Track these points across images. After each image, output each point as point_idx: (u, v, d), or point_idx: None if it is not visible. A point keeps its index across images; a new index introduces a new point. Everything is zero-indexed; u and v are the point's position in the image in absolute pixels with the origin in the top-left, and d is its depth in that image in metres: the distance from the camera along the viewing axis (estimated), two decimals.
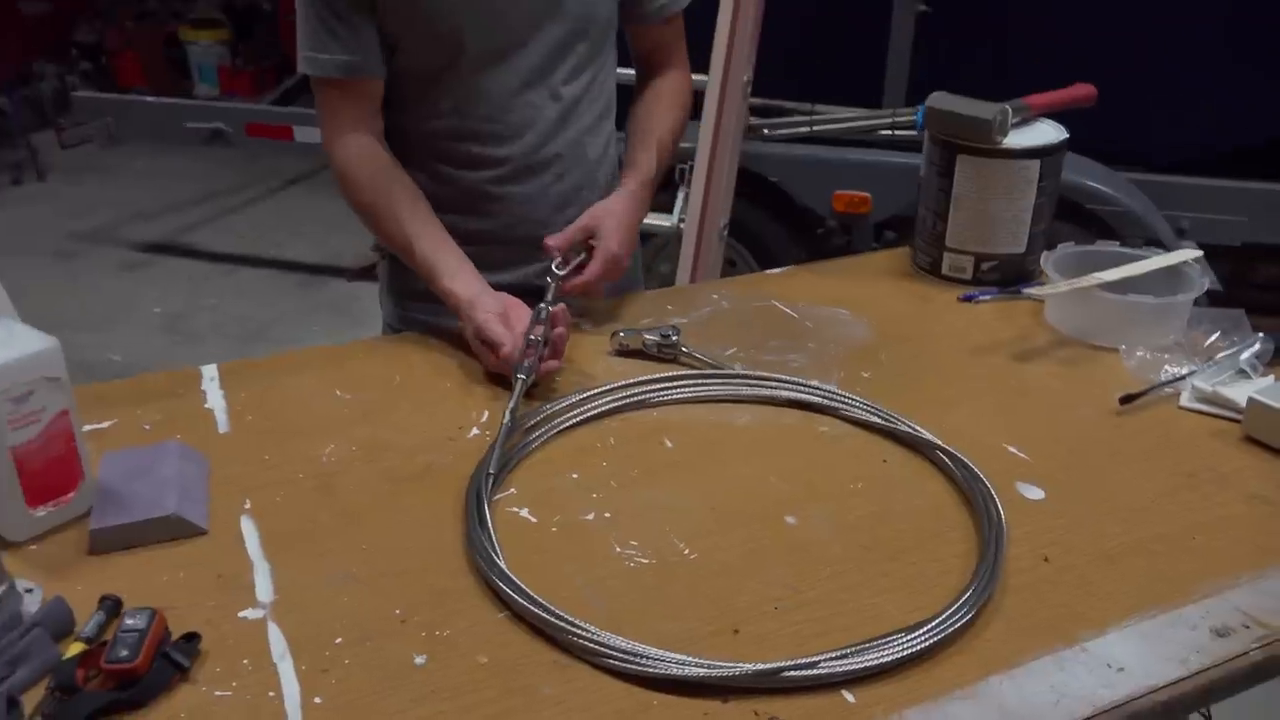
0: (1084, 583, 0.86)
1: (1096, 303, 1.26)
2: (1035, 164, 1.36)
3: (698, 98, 2.24)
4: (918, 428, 1.05)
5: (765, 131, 2.93)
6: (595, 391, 1.11)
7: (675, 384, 1.14)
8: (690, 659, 0.75)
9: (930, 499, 0.97)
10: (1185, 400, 1.13)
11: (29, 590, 0.82)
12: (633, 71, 1.45)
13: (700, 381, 1.14)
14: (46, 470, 0.89)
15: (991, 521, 0.90)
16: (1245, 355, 1.17)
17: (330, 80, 1.23)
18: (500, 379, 1.14)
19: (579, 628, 0.77)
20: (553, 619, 0.78)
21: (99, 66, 6.56)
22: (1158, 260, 1.30)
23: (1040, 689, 0.75)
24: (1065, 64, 3.13)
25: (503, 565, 0.84)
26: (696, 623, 0.80)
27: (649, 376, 1.14)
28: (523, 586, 0.81)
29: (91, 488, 0.92)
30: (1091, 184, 2.83)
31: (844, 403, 1.10)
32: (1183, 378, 1.14)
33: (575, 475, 1.00)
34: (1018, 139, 1.38)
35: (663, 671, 0.74)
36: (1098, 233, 2.74)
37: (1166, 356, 1.20)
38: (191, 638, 0.77)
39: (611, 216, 1.27)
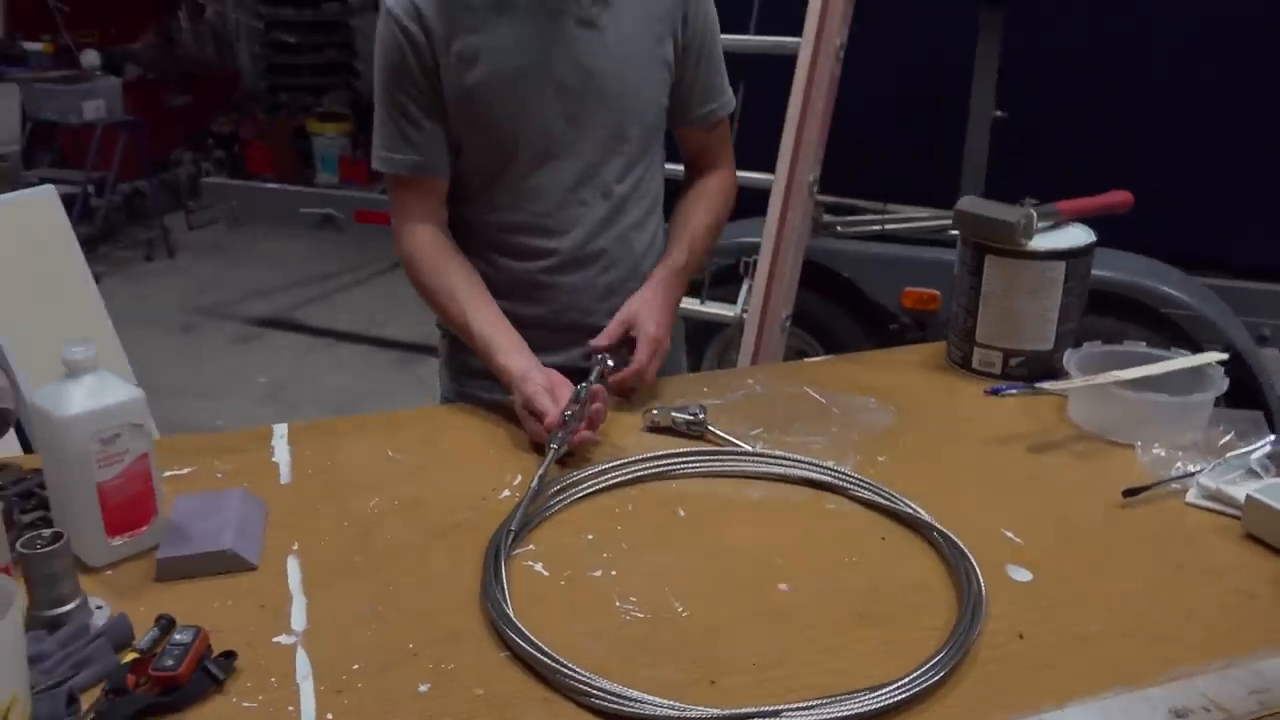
0: (1054, 661, 0.90)
1: (1114, 400, 1.30)
2: (1061, 265, 1.42)
3: (763, 195, 2.36)
4: (918, 508, 1.11)
5: (838, 229, 3.04)
6: (619, 462, 1.20)
7: (694, 459, 1.22)
8: (664, 702, 0.82)
9: (920, 575, 1.02)
10: (1191, 497, 1.16)
11: (99, 607, 0.94)
12: (681, 167, 1.57)
13: (718, 458, 1.22)
14: (125, 505, 1.02)
15: (970, 594, 0.95)
16: (1257, 455, 1.19)
17: (401, 177, 1.38)
18: (539, 448, 1.24)
19: (568, 668, 0.85)
20: (545, 659, 0.86)
21: (231, 155, 7.09)
22: (1177, 362, 1.33)
23: None
24: (1141, 169, 3.18)
25: (509, 611, 0.93)
26: (678, 673, 0.87)
27: (670, 451, 1.23)
28: (522, 629, 0.90)
29: (162, 523, 1.05)
30: (1165, 289, 2.83)
31: (851, 483, 1.17)
32: (1190, 474, 1.17)
33: (590, 536, 1.09)
34: (1045, 241, 1.44)
35: (638, 711, 0.81)
36: (1170, 338, 2.75)
37: (1180, 454, 1.23)
38: (229, 655, 0.87)
39: (645, 305, 1.38)
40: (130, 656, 0.86)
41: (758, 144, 2.45)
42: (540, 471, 1.13)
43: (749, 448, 1.26)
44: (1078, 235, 1.48)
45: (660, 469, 1.21)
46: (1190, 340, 2.79)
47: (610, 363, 1.32)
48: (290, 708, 0.83)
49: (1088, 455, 1.27)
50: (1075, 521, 1.13)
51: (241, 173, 6.70)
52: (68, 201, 5.49)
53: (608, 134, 1.40)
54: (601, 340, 1.36)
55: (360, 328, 4.67)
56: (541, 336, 1.43)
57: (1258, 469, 1.17)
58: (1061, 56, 3.15)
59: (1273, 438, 1.22)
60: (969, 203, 1.48)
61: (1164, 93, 3.13)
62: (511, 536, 1.04)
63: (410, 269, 1.40)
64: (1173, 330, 2.79)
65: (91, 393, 0.99)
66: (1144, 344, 1.42)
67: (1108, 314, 2.79)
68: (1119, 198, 1.59)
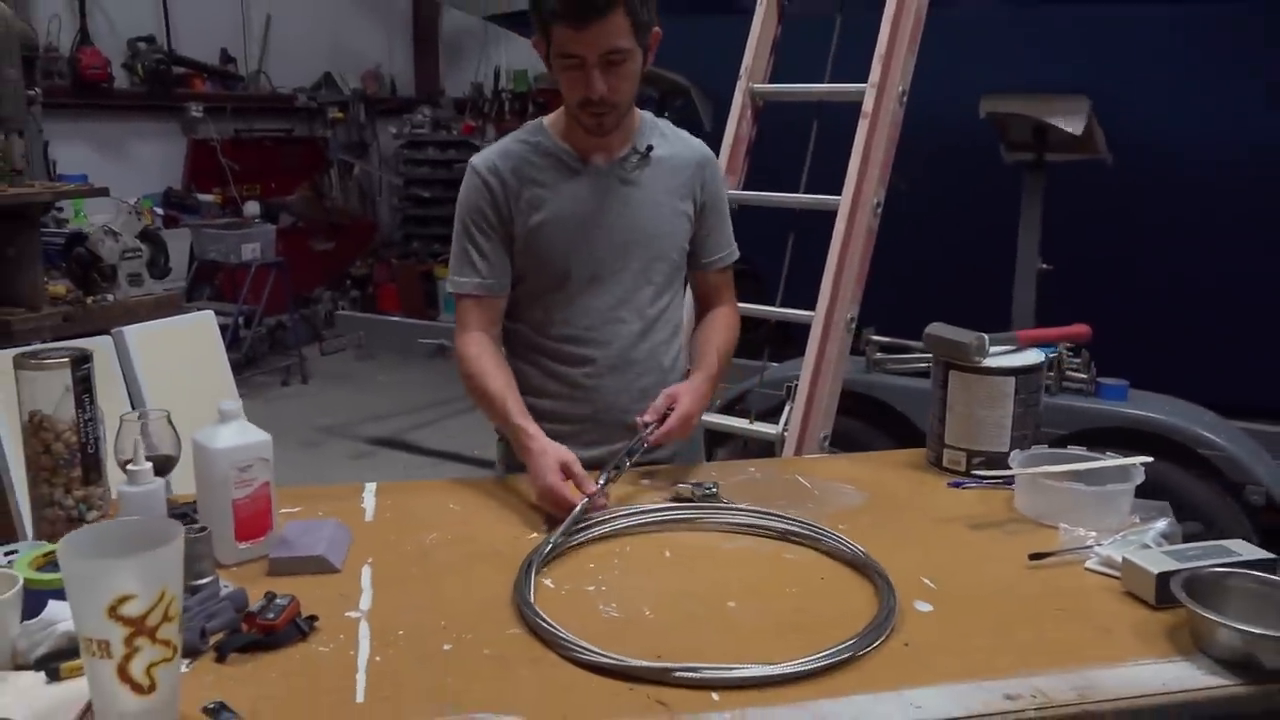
0: (930, 662, 1.15)
1: (1046, 490, 1.55)
2: (1011, 380, 1.70)
3: (807, 330, 2.69)
4: (856, 546, 1.38)
5: (889, 366, 3.33)
6: (625, 511, 1.52)
7: (687, 511, 1.53)
8: (614, 655, 1.11)
9: (848, 605, 1.28)
10: (1090, 563, 1.40)
11: (226, 586, 1.29)
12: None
13: (709, 511, 1.53)
14: (250, 519, 1.38)
15: (882, 613, 1.22)
16: (1151, 533, 1.43)
17: (464, 296, 1.76)
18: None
19: (550, 625, 1.16)
20: (538, 620, 1.18)
21: (365, 294, 7.81)
22: (1100, 462, 1.59)
23: (852, 712, 1.06)
24: (1185, 319, 3.41)
25: (530, 596, 1.24)
26: (633, 649, 1.16)
27: (657, 505, 1.54)
28: (531, 602, 1.21)
29: (276, 536, 1.41)
30: (1199, 430, 2.99)
31: (810, 530, 1.45)
32: (1089, 546, 1.42)
33: (592, 565, 1.40)
34: (1000, 360, 1.73)
35: (593, 660, 1.11)
36: (1201, 474, 2.91)
37: (1094, 534, 1.47)
38: (313, 618, 1.21)
39: (687, 391, 1.69)
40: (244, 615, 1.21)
41: (805, 285, 2.81)
42: (566, 523, 1.44)
43: (738, 505, 1.56)
44: (1030, 356, 1.76)
45: (659, 519, 1.51)
46: (1223, 479, 2.94)
47: (649, 428, 1.64)
48: (351, 652, 1.16)
49: (1018, 533, 1.52)
50: (985, 576, 1.38)
51: (373, 310, 7.39)
52: (221, 330, 6.17)
53: (641, 267, 1.76)
54: (649, 415, 1.66)
55: (463, 449, 5.09)
56: (585, 431, 1.78)
57: (1151, 543, 1.41)
58: (1102, 214, 3.44)
59: (1168, 519, 1.45)
60: (936, 328, 1.78)
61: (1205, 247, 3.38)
62: (550, 548, 1.37)
63: (460, 366, 1.74)
64: (1207, 467, 2.94)
65: (235, 433, 1.38)
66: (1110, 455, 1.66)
67: (1140, 450, 2.97)
68: (1077, 330, 1.87)
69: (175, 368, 3.28)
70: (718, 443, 3.21)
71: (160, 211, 6.50)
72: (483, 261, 1.74)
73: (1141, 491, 3.07)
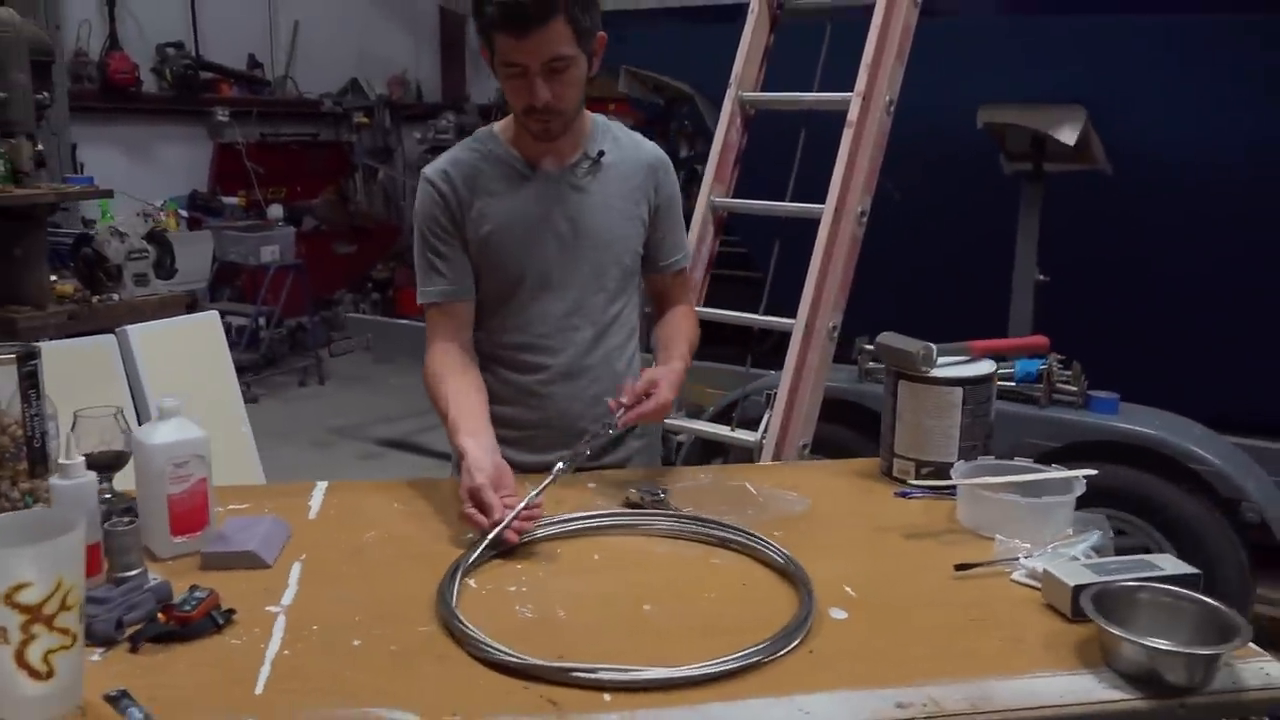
0: (832, 669, 1.15)
1: (984, 502, 1.55)
2: (958, 391, 1.70)
3: (765, 336, 2.69)
4: (783, 550, 1.39)
5: (881, 375, 3.31)
6: (561, 518, 1.53)
7: (623, 518, 1.54)
8: (515, 653, 1.13)
9: (764, 612, 1.28)
10: (1015, 575, 1.40)
11: (154, 579, 1.32)
12: None
13: (646, 517, 1.54)
14: (186, 514, 1.42)
15: (797, 623, 1.22)
16: (1081, 546, 1.42)
17: (431, 305, 1.78)
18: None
19: (461, 622, 1.18)
20: (449, 615, 1.20)
21: (386, 298, 7.89)
22: (1039, 473, 1.58)
23: (742, 716, 1.07)
24: (1181, 331, 3.36)
25: (452, 600, 1.26)
26: (539, 649, 1.18)
27: (592, 512, 1.55)
28: (450, 602, 1.23)
29: (212, 532, 1.44)
30: (1189, 445, 2.94)
31: (739, 535, 1.46)
32: (1015, 558, 1.41)
33: (519, 566, 1.41)
34: (949, 371, 1.73)
35: (494, 657, 1.13)
36: (1192, 490, 2.88)
37: (1028, 546, 1.47)
38: (230, 611, 1.24)
39: (666, 376, 1.67)
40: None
41: (790, 294, 2.81)
42: (491, 535, 1.42)
43: (676, 511, 1.57)
44: (981, 367, 1.75)
45: (594, 524, 1.53)
46: (1215, 495, 2.90)
47: (660, 494, 1.61)
48: (261, 646, 1.19)
49: (953, 544, 1.52)
50: (909, 586, 1.38)
51: (392, 313, 7.46)
52: (240, 331, 6.28)
53: (593, 273, 1.78)
54: (626, 396, 1.62)
55: None
56: (538, 437, 1.80)
57: (1080, 556, 1.40)
58: (1100, 224, 3.41)
59: (1098, 533, 1.45)
60: (887, 337, 1.78)
61: (1203, 260, 3.33)
62: (470, 559, 1.38)
63: (425, 373, 1.76)
64: (1196, 481, 2.90)
65: (173, 430, 1.41)
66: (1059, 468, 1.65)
67: (1133, 465, 2.95)
68: (1035, 341, 1.86)
69: (179, 367, 3.34)
70: (715, 453, 3.21)
71: (185, 214, 6.62)
72: (445, 266, 1.76)
73: (1129, 507, 3.04)
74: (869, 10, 2.81)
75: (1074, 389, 3.01)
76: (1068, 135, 3.14)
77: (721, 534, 1.49)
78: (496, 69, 1.64)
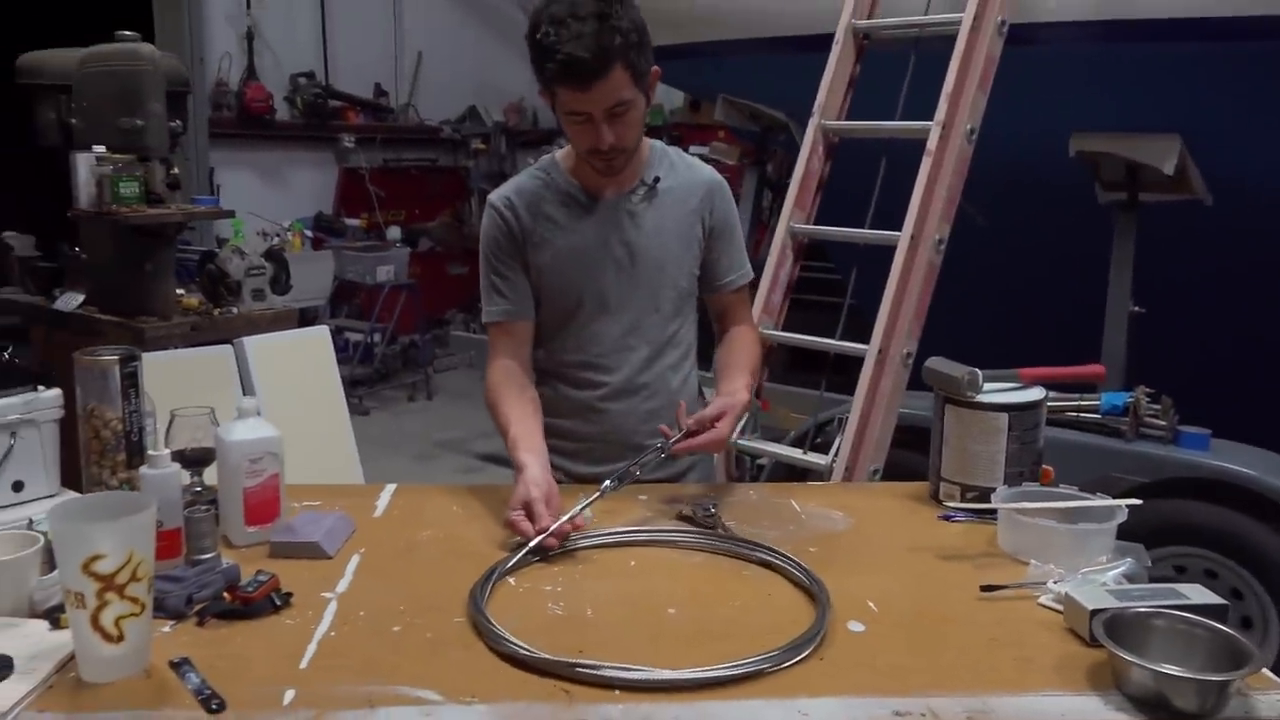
0: (838, 677, 1.19)
1: (1019, 526, 1.56)
2: (1004, 416, 1.71)
3: (854, 362, 2.72)
4: (805, 566, 1.43)
5: None
6: (605, 532, 1.60)
7: (661, 533, 1.61)
8: (528, 646, 1.21)
9: (785, 622, 1.34)
10: (1043, 599, 1.41)
11: (226, 562, 1.45)
12: None
13: (680, 534, 1.60)
14: (259, 506, 1.55)
15: (808, 638, 1.26)
16: (1113, 573, 1.43)
17: (493, 324, 1.88)
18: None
19: (486, 617, 1.26)
20: (477, 613, 1.28)
21: None
22: (1079, 501, 1.58)
23: (738, 715, 1.12)
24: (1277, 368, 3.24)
25: (482, 599, 1.35)
26: (562, 643, 1.25)
27: (629, 527, 1.62)
28: (480, 600, 1.32)
29: (282, 523, 1.57)
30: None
31: (767, 552, 1.50)
32: (1044, 582, 1.42)
33: (556, 569, 1.50)
34: (995, 397, 1.74)
35: (510, 651, 1.21)
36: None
37: (1061, 571, 1.47)
38: (288, 595, 1.36)
39: (731, 411, 1.72)
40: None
41: (872, 320, 2.83)
42: (534, 542, 1.50)
43: (706, 530, 1.62)
44: (1029, 394, 1.76)
45: (630, 538, 1.59)
46: None
47: (712, 509, 1.66)
48: (312, 627, 1.30)
49: (987, 566, 1.53)
50: (931, 604, 1.41)
51: None
52: (355, 346, 6.56)
53: (649, 295, 1.85)
54: (690, 422, 1.67)
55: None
56: (594, 449, 1.88)
57: (1109, 582, 1.41)
58: (1196, 256, 3.31)
59: (1131, 561, 1.44)
60: (936, 362, 1.80)
61: None
62: (508, 564, 1.46)
63: (486, 390, 1.87)
64: None
65: (250, 429, 1.55)
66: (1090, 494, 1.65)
67: (1225, 504, 2.85)
68: (1089, 370, 1.86)
69: (290, 375, 3.56)
70: (798, 477, 3.24)
71: (310, 234, 6.99)
72: (507, 288, 1.86)
73: (1220, 547, 2.95)
74: (954, 40, 2.83)
75: (1163, 423, 2.94)
76: (1166, 165, 3.08)
77: (748, 551, 1.53)
78: (560, 115, 1.73)
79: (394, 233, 7.41)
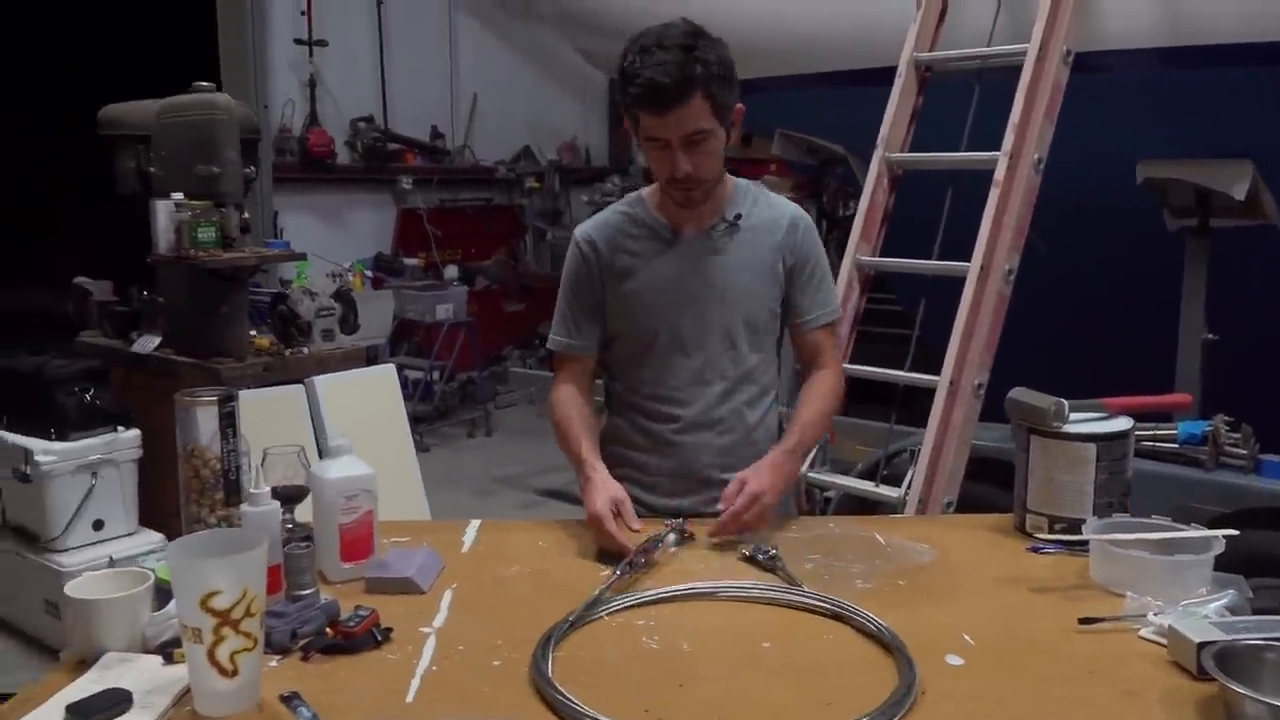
0: (933, 709, 1.19)
1: (1113, 557, 1.54)
2: (1092, 447, 1.69)
3: (921, 393, 2.70)
4: (880, 623, 1.39)
5: None
6: (693, 585, 1.58)
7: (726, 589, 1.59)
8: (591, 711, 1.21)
9: (876, 659, 1.33)
10: (1144, 632, 1.39)
11: (325, 598, 1.48)
12: None
13: (753, 588, 1.57)
14: (354, 543, 1.58)
15: (905, 678, 1.25)
16: (1215, 605, 1.40)
17: (558, 354, 1.94)
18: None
19: (556, 688, 1.22)
20: (549, 687, 1.29)
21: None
22: (1176, 532, 1.56)
23: None
24: None
25: (550, 643, 1.35)
26: (655, 675, 1.26)
27: (720, 583, 1.60)
28: (546, 673, 1.32)
29: (377, 559, 1.60)
30: None
31: (839, 608, 1.46)
32: (1143, 615, 1.40)
33: (649, 607, 1.50)
34: (1082, 427, 1.72)
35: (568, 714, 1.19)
36: None
37: (1159, 604, 1.45)
38: (389, 629, 1.38)
39: (754, 470, 1.74)
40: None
41: (940, 351, 2.82)
42: (603, 587, 1.51)
43: (793, 582, 1.58)
44: (1117, 424, 1.74)
45: (708, 590, 1.58)
46: None
47: (772, 551, 1.64)
48: (414, 661, 1.32)
49: (1081, 599, 1.51)
50: (1027, 637, 1.39)
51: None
52: (415, 384, 6.64)
53: (726, 331, 1.87)
54: (722, 504, 1.71)
55: None
56: (668, 483, 1.90)
57: (1212, 615, 1.38)
58: (1270, 280, 3.26)
59: (1233, 593, 1.42)
60: (1019, 393, 1.79)
61: None
62: (567, 625, 1.45)
63: (549, 411, 1.93)
64: None
65: (344, 467, 1.59)
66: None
67: None
68: (1177, 399, 1.84)
69: (358, 413, 3.63)
70: (864, 509, 3.21)
71: (369, 274, 7.11)
72: (573, 324, 1.92)
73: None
74: (1018, 70, 2.84)
75: (1243, 452, 2.88)
76: (1237, 190, 3.04)
77: (822, 605, 1.48)
78: (640, 141, 1.77)
79: (451, 271, 7.51)
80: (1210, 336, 3.28)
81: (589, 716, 1.16)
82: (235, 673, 1.17)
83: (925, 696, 1.22)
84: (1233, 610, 1.40)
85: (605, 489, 1.73)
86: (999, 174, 2.74)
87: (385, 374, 4.02)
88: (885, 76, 3.62)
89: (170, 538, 3.60)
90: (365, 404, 3.75)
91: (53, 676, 1.28)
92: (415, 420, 6.29)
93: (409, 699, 1.23)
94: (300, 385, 3.51)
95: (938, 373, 2.76)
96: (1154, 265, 3.31)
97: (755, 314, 1.89)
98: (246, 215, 3.65)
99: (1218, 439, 2.90)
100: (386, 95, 7.82)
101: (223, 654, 1.16)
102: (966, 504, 2.79)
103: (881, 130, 3.05)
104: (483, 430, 6.84)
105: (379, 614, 1.40)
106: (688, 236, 1.87)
